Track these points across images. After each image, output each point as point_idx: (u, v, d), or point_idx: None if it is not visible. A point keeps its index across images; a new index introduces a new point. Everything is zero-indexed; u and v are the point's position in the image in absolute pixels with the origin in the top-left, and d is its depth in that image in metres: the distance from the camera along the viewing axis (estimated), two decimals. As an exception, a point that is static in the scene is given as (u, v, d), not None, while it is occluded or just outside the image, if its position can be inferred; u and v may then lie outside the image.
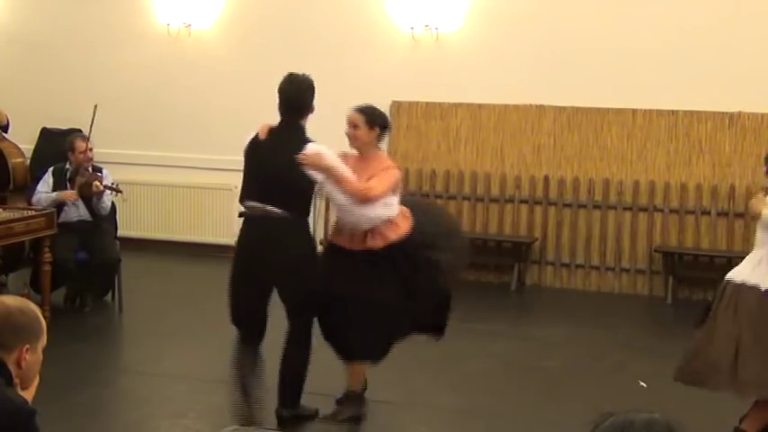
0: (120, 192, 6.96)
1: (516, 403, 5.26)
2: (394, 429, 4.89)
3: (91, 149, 6.99)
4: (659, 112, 7.94)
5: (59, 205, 6.77)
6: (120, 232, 7.51)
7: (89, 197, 6.82)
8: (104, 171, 7.08)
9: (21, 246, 6.58)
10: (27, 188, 7.34)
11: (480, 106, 8.36)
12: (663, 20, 7.87)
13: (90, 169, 6.92)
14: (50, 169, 7.00)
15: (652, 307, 7.81)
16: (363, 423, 4.87)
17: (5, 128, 7.32)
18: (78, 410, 4.91)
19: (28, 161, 7.24)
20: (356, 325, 4.59)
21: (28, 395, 2.59)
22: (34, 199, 6.85)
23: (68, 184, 6.86)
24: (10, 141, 7.36)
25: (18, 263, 6.94)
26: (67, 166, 6.93)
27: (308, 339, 4.70)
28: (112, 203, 7.23)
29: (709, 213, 7.87)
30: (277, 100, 4.72)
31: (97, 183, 6.75)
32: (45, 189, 6.90)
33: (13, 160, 7.13)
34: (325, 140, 8.44)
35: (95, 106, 7.06)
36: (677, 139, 7.92)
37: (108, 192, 6.85)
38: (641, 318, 7.65)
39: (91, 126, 7.02)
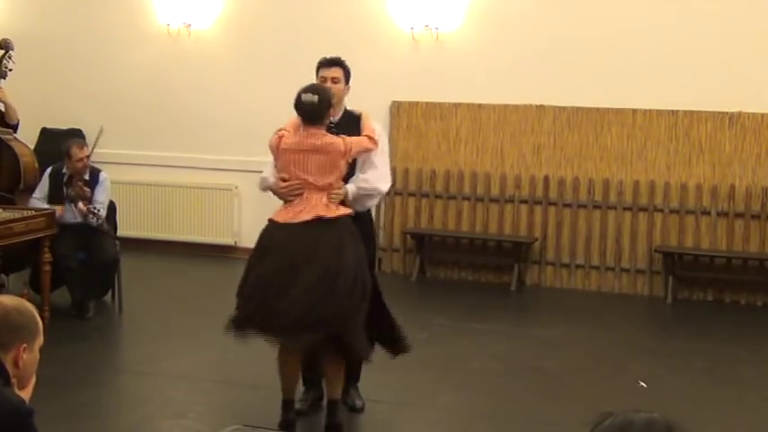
0: (100, 217, 6.77)
1: (516, 403, 5.25)
2: (394, 429, 4.89)
3: (88, 157, 6.91)
4: (659, 112, 7.94)
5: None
6: (120, 232, 7.50)
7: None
8: (102, 175, 6.99)
9: (26, 247, 6.54)
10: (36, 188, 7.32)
11: (480, 106, 8.36)
12: (663, 20, 7.87)
13: (86, 175, 6.86)
14: (47, 172, 6.97)
15: (652, 307, 7.81)
16: (363, 423, 4.87)
17: (15, 127, 7.32)
18: (78, 410, 4.91)
19: (37, 162, 7.22)
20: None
21: (25, 395, 2.59)
22: (29, 204, 6.83)
23: (64, 189, 6.83)
24: (21, 141, 7.36)
25: (24, 263, 6.93)
26: (64, 170, 6.90)
27: None
28: (111, 203, 7.22)
29: (709, 213, 7.87)
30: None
31: (81, 206, 6.68)
32: (40, 195, 6.87)
33: (25, 159, 7.12)
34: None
35: (101, 129, 7.08)
36: (677, 139, 7.92)
37: (91, 215, 6.74)
38: (641, 318, 7.65)
39: (93, 146, 7.01)
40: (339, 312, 4.34)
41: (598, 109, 8.07)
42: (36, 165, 7.15)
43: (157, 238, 9.22)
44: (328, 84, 4.72)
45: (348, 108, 4.87)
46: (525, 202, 8.27)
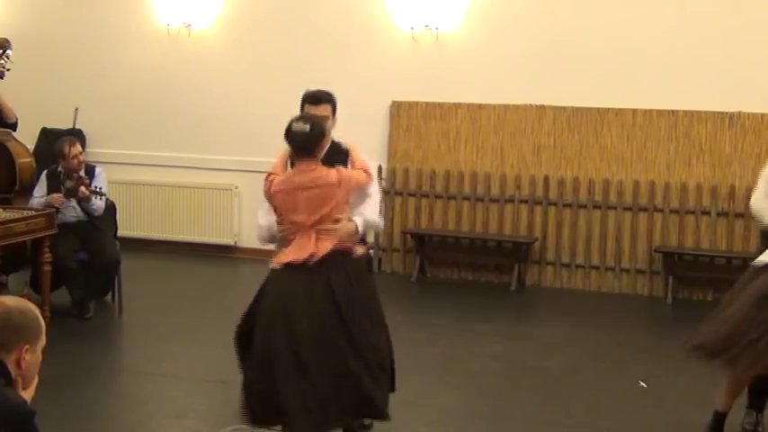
0: (104, 195, 6.88)
1: (516, 403, 5.25)
2: (394, 429, 4.88)
3: (81, 152, 6.95)
4: (659, 112, 7.94)
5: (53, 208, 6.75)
6: (120, 232, 7.50)
7: (79, 200, 6.81)
8: (97, 169, 7.05)
9: (23, 246, 6.58)
10: (32, 188, 7.33)
11: (480, 106, 8.36)
12: (663, 20, 7.88)
13: (82, 171, 6.89)
14: (44, 173, 7.00)
15: (652, 307, 7.81)
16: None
17: (14, 126, 7.33)
18: (78, 410, 4.91)
19: (35, 163, 7.24)
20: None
21: (27, 395, 2.59)
22: (29, 204, 6.85)
23: (62, 187, 6.85)
24: (18, 141, 7.37)
25: (21, 263, 6.94)
26: (59, 168, 6.92)
27: None
28: (112, 203, 7.22)
29: (709, 213, 7.87)
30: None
31: (83, 189, 6.72)
32: (39, 194, 6.90)
33: (21, 160, 7.12)
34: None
35: (76, 109, 7.06)
36: (677, 139, 7.93)
37: (94, 195, 6.82)
38: (641, 318, 7.66)
39: (72, 127, 7.00)
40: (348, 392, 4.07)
41: (598, 109, 8.07)
42: (34, 166, 7.16)
43: (157, 238, 9.22)
44: None
45: (335, 140, 4.48)
46: (525, 202, 8.28)
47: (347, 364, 4.04)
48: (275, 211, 4.26)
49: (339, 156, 4.38)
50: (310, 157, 4.17)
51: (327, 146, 4.34)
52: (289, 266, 4.11)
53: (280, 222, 4.24)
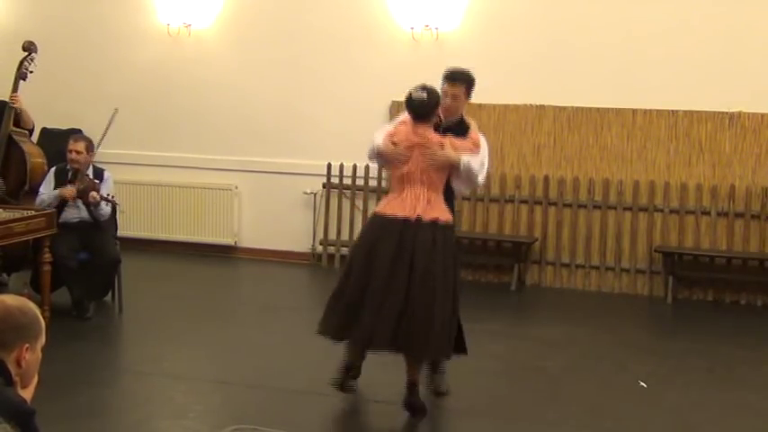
0: (117, 204, 6.92)
1: (516, 403, 5.25)
2: (394, 429, 4.89)
3: (92, 152, 6.95)
4: (659, 112, 7.95)
5: (62, 203, 6.76)
6: (120, 232, 7.50)
7: (87, 203, 6.81)
8: (106, 174, 7.03)
9: (25, 246, 6.57)
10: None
11: (480, 106, 8.35)
12: (663, 20, 7.88)
13: (90, 174, 6.90)
14: (52, 170, 7.01)
15: (652, 307, 7.82)
16: (364, 423, 4.88)
17: (30, 132, 7.37)
18: (78, 410, 4.91)
19: (46, 164, 7.25)
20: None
21: (27, 395, 2.58)
22: (38, 201, 6.84)
23: (69, 186, 6.85)
24: (33, 143, 7.39)
25: (22, 263, 6.93)
26: (68, 167, 6.93)
27: None
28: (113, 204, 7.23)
29: (709, 213, 7.87)
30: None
31: (93, 193, 6.72)
32: (47, 190, 6.90)
33: (34, 160, 7.13)
34: (327, 139, 8.42)
35: (116, 110, 7.09)
36: (677, 139, 7.93)
37: (104, 202, 6.82)
38: (641, 318, 7.66)
39: (106, 130, 7.02)
40: (426, 330, 4.65)
41: (598, 109, 8.08)
42: (45, 167, 7.16)
43: (157, 238, 9.22)
44: (447, 100, 4.91)
45: (464, 116, 5.08)
46: (525, 202, 8.28)
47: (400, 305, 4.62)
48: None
49: (462, 129, 4.95)
50: (426, 121, 4.81)
51: (454, 118, 4.97)
52: (387, 217, 4.73)
53: (396, 142, 4.83)
